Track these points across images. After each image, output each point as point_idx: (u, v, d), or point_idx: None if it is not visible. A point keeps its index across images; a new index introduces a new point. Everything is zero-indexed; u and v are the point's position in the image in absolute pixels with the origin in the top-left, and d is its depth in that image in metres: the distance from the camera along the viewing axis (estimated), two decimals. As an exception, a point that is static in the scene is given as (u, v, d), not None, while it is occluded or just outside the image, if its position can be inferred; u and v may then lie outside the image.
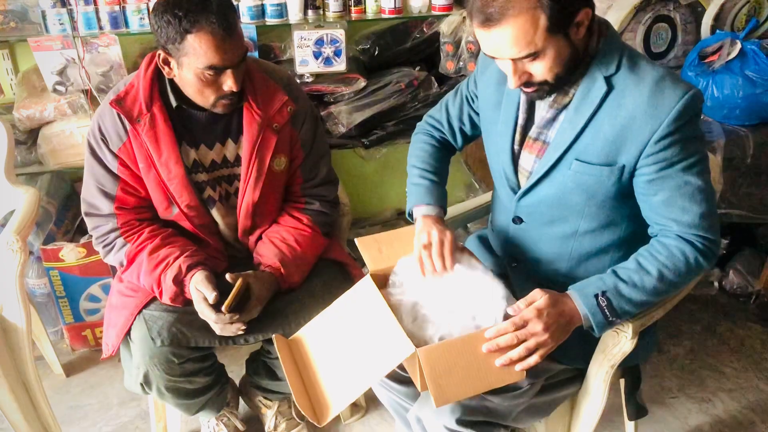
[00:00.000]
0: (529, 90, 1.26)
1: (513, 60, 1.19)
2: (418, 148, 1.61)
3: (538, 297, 1.23)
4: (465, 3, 1.21)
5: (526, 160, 1.40)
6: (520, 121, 1.39)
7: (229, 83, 1.47)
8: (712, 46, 2.09)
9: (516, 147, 1.41)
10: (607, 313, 1.22)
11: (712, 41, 2.10)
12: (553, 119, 1.33)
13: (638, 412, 1.60)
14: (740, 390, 2.16)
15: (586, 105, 1.27)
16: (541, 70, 1.20)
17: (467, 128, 1.60)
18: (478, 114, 1.55)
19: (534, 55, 1.17)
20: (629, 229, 1.38)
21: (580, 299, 1.23)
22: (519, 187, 1.42)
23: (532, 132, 1.37)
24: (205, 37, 1.39)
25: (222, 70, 1.45)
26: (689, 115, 1.21)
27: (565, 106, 1.31)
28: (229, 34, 1.41)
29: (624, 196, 1.32)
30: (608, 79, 1.25)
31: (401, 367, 1.47)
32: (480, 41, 1.21)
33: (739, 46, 2.02)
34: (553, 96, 1.31)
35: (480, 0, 1.15)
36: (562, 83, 1.25)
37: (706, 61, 2.09)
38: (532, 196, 1.40)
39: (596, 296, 1.22)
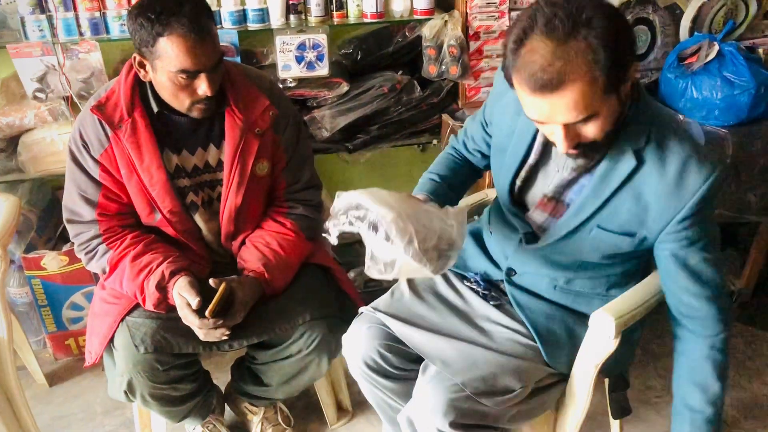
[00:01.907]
0: (575, 152, 1.19)
1: (566, 124, 1.13)
2: (437, 159, 1.63)
3: None
4: (505, 67, 1.15)
5: (538, 216, 1.40)
6: (531, 160, 1.37)
7: (203, 87, 1.46)
8: (690, 48, 2.11)
9: (519, 183, 1.40)
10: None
11: (691, 43, 2.12)
12: (573, 181, 1.32)
13: (622, 411, 1.61)
14: (723, 388, 2.18)
15: (614, 177, 1.25)
16: (594, 131, 1.14)
17: (483, 149, 1.58)
18: (491, 136, 1.52)
19: (589, 118, 1.11)
20: (629, 266, 1.42)
21: None
22: (524, 216, 1.43)
23: (548, 190, 1.36)
24: (177, 41, 1.39)
25: (195, 74, 1.44)
26: (712, 196, 1.22)
27: (588, 170, 1.29)
28: (201, 37, 1.40)
29: (637, 253, 1.36)
30: (637, 153, 1.22)
31: (390, 362, 1.47)
32: (527, 106, 1.14)
33: (716, 47, 2.04)
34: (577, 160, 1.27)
35: (532, 65, 1.07)
36: (609, 141, 1.20)
37: (685, 62, 2.11)
38: (546, 248, 1.41)
39: None
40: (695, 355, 1.33)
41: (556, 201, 1.35)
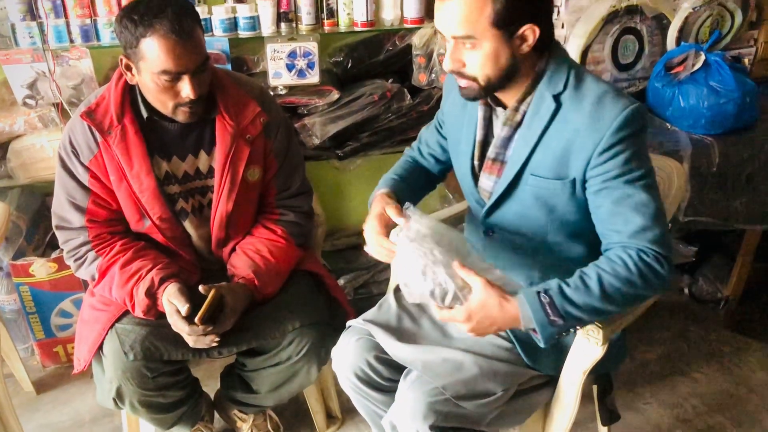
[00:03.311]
0: (461, 84, 1.31)
1: (454, 39, 1.24)
2: (395, 164, 1.66)
3: (475, 298, 1.25)
4: None
5: (486, 181, 1.43)
6: (478, 137, 1.43)
7: (186, 90, 1.46)
8: (677, 57, 2.14)
9: (476, 163, 1.45)
10: (549, 310, 1.22)
11: (678, 53, 2.14)
12: (509, 138, 1.37)
13: (611, 417, 1.62)
14: (711, 394, 2.19)
15: (537, 122, 1.31)
16: (475, 62, 1.25)
17: (438, 153, 1.63)
18: (446, 139, 1.59)
19: (472, 40, 1.22)
20: (595, 242, 1.40)
21: (524, 297, 1.24)
22: (484, 203, 1.46)
23: (491, 152, 1.41)
24: (158, 42, 1.40)
25: (177, 76, 1.45)
26: (631, 128, 1.23)
27: (519, 124, 1.35)
28: (183, 39, 1.41)
29: (583, 211, 1.35)
30: (556, 97, 1.29)
31: (379, 374, 1.48)
32: (435, 16, 1.26)
33: (703, 57, 2.07)
34: (505, 114, 1.35)
35: None
36: (491, 90, 1.30)
37: (672, 72, 2.13)
38: (497, 214, 1.44)
39: (538, 293, 1.23)
40: (606, 253, 1.28)
41: (501, 162, 1.40)
